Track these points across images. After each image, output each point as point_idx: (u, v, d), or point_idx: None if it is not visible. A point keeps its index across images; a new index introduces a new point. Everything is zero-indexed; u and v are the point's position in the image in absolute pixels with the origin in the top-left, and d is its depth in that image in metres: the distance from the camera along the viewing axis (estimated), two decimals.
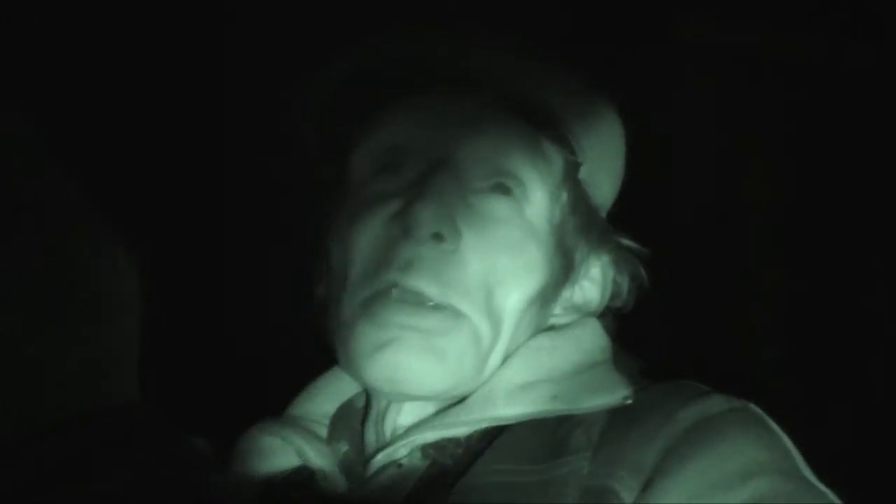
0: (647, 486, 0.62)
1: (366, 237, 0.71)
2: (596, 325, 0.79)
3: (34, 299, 0.46)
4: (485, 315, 0.70)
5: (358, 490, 0.72)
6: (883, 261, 1.48)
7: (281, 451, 0.76)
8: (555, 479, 0.64)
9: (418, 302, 0.68)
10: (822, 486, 0.64)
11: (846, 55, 1.48)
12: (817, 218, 1.54)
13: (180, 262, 1.27)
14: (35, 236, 0.47)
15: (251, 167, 1.38)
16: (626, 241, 0.82)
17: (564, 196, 0.76)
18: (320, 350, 0.78)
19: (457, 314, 0.69)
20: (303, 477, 0.75)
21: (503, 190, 0.73)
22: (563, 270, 0.77)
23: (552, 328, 0.79)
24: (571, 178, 0.77)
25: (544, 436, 0.68)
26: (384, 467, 0.71)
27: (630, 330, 0.83)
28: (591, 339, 0.77)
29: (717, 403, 0.67)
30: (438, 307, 0.69)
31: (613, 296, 0.81)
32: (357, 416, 0.79)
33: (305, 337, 0.80)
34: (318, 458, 0.75)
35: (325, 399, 0.81)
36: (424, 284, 0.68)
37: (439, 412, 0.73)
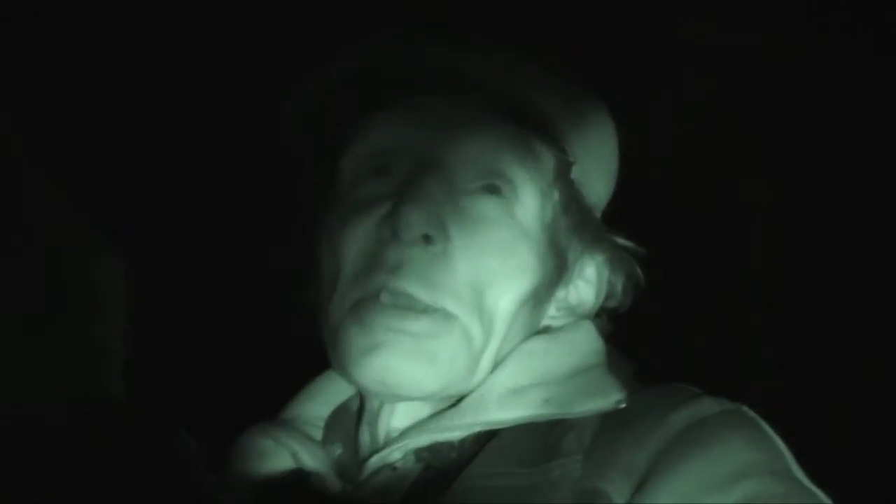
0: (638, 488, 0.62)
1: (355, 240, 0.71)
2: (590, 328, 0.79)
3: (24, 298, 0.46)
4: (476, 316, 0.70)
5: (353, 492, 0.72)
6: (882, 261, 1.48)
7: (275, 454, 0.76)
8: (546, 482, 0.64)
9: (407, 306, 0.68)
10: (813, 488, 0.64)
11: (846, 55, 1.48)
12: (817, 218, 1.53)
13: (179, 262, 1.28)
14: (26, 235, 0.47)
15: (252, 167, 1.38)
16: (622, 241, 0.81)
17: (556, 196, 0.76)
18: (317, 352, 0.78)
19: (447, 316, 0.69)
20: (298, 478, 0.75)
21: (493, 190, 0.73)
22: (557, 270, 0.76)
23: (547, 329, 0.79)
24: (563, 178, 0.76)
25: (537, 439, 0.68)
26: (378, 470, 0.72)
27: (626, 330, 0.83)
28: (586, 343, 0.77)
29: (709, 406, 0.67)
30: (428, 310, 0.69)
31: (608, 296, 0.81)
32: (351, 418, 0.79)
33: (303, 338, 0.80)
34: (313, 460, 0.75)
35: (320, 401, 0.81)
36: (413, 287, 0.68)
37: (433, 415, 0.73)
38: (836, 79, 1.49)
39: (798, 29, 1.49)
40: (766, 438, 0.66)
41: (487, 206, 0.72)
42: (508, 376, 0.73)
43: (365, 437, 0.76)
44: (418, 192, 0.69)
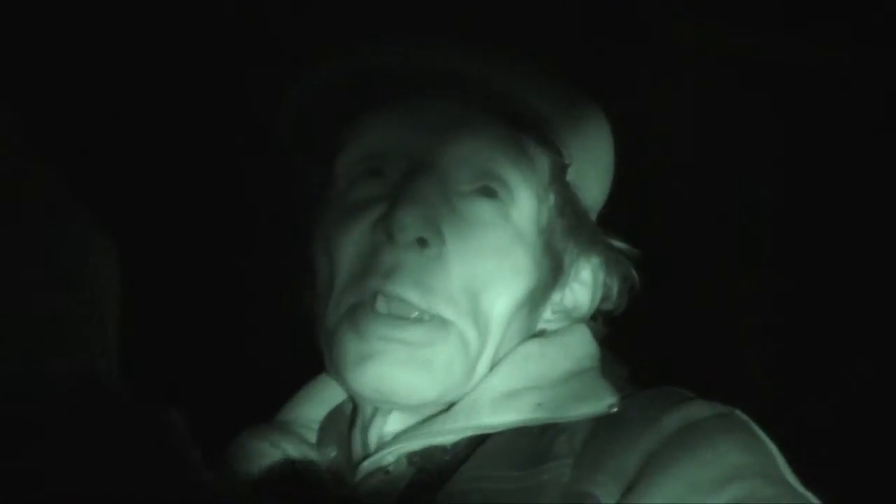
0: (628, 491, 0.62)
1: (350, 243, 0.71)
2: (585, 332, 0.79)
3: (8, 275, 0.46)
4: (471, 320, 0.70)
5: (346, 495, 0.72)
6: (875, 261, 1.48)
7: (270, 456, 0.76)
8: (536, 485, 0.64)
9: (402, 314, 0.68)
10: (804, 491, 0.64)
11: (843, 58, 1.48)
12: (813, 218, 1.54)
13: (178, 262, 1.28)
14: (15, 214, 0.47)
15: (254, 167, 1.38)
16: (618, 243, 0.81)
17: (552, 198, 0.76)
18: (316, 352, 0.78)
19: (442, 322, 0.69)
20: (292, 475, 0.75)
21: (489, 193, 0.72)
22: (552, 274, 0.76)
23: (543, 332, 0.78)
24: (559, 181, 0.76)
25: (529, 443, 0.68)
26: (371, 474, 0.72)
27: (621, 332, 0.83)
28: (580, 347, 0.77)
29: (701, 409, 0.67)
30: (423, 318, 0.69)
31: (604, 298, 0.81)
32: (346, 421, 0.79)
33: (303, 339, 0.80)
34: (307, 463, 0.75)
35: (316, 404, 0.81)
36: (408, 292, 0.68)
37: (426, 420, 0.73)
38: (832, 81, 1.49)
39: (797, 30, 1.49)
40: (758, 442, 0.66)
41: (482, 209, 0.72)
42: (502, 380, 0.72)
43: (357, 441, 0.76)
44: (413, 195, 0.69)
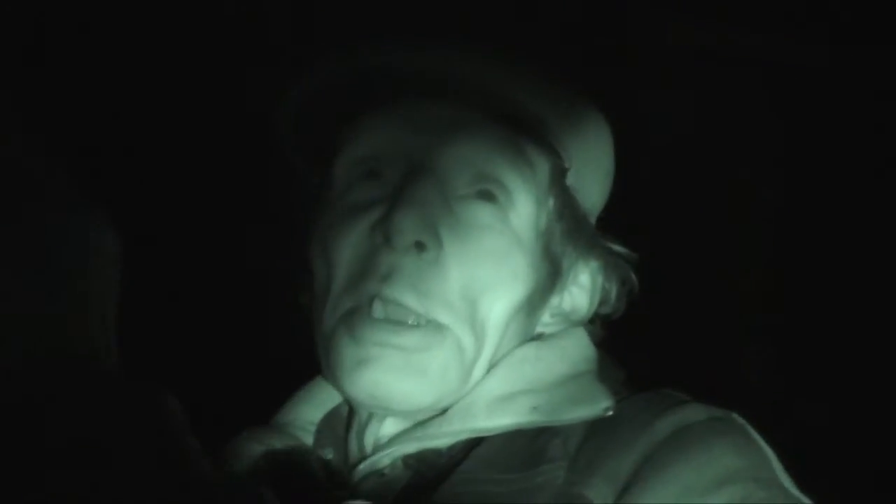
0: (622, 493, 0.62)
1: (347, 246, 0.71)
2: (582, 335, 0.78)
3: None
4: (468, 326, 0.70)
5: (342, 498, 0.72)
6: (875, 261, 1.48)
7: (265, 458, 0.75)
8: (530, 488, 0.64)
9: (399, 319, 0.68)
10: (798, 494, 0.64)
11: (842, 58, 1.48)
12: (811, 219, 1.54)
13: (178, 263, 1.28)
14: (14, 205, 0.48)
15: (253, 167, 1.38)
16: (616, 247, 0.81)
17: (551, 202, 0.75)
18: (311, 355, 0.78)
19: (438, 328, 0.69)
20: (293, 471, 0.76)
21: (487, 197, 0.72)
22: (551, 277, 0.76)
23: (540, 336, 0.78)
24: (558, 184, 0.76)
25: (523, 445, 0.68)
26: (367, 476, 0.72)
27: (620, 333, 0.83)
28: (577, 350, 0.77)
29: (696, 412, 0.66)
30: (419, 323, 0.68)
31: (602, 302, 0.80)
32: (342, 423, 0.79)
33: (302, 339, 0.80)
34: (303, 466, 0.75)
35: (313, 406, 0.81)
36: (405, 296, 0.67)
37: (421, 423, 0.72)
38: (831, 81, 1.49)
39: (796, 31, 1.49)
40: (753, 445, 0.65)
41: (481, 213, 0.71)
42: (498, 383, 0.72)
43: (353, 443, 0.76)
44: (411, 198, 0.68)
